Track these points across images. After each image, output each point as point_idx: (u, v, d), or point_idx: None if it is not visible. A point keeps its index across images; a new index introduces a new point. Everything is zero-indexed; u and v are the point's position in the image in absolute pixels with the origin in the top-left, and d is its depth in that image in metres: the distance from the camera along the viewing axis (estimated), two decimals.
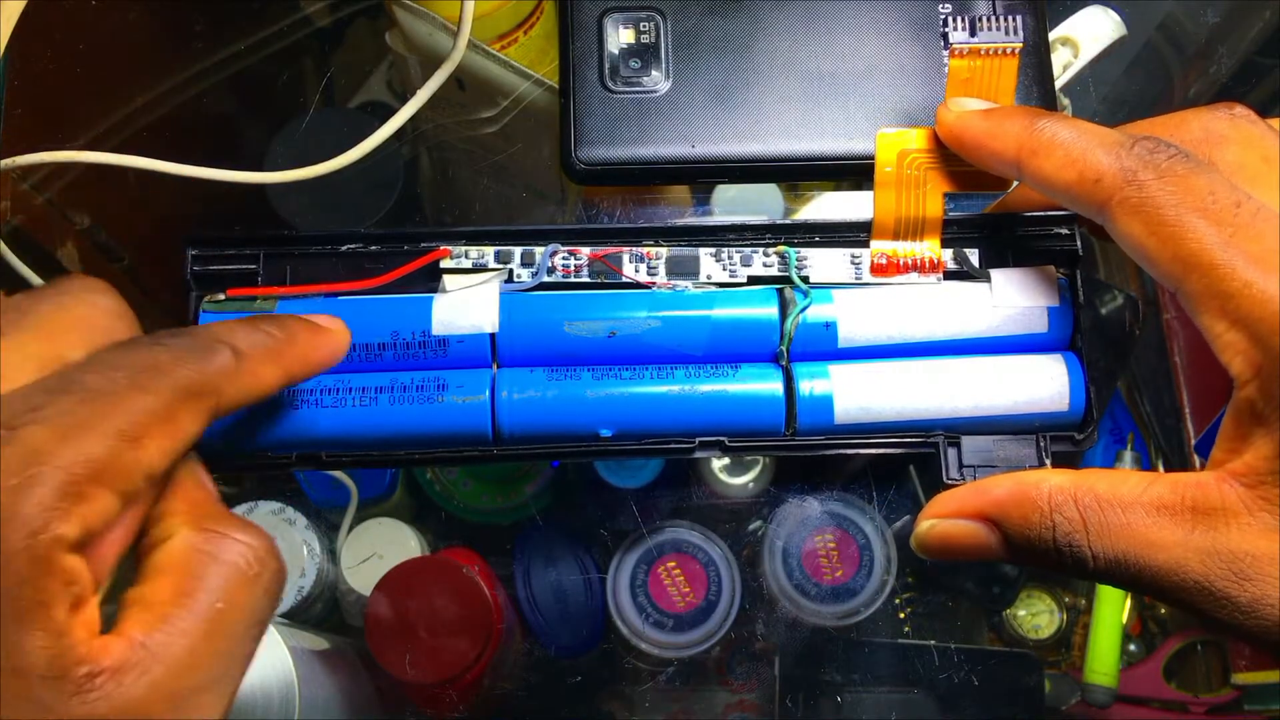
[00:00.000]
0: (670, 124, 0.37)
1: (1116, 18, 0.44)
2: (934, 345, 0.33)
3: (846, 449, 0.32)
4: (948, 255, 0.33)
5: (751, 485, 0.50)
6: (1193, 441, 0.48)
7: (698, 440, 0.32)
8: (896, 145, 0.33)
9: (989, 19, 0.33)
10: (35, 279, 0.41)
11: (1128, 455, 0.50)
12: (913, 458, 0.37)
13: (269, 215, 0.46)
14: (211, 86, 0.50)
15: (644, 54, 0.37)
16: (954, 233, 0.33)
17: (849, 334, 0.33)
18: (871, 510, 0.48)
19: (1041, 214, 0.33)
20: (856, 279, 0.33)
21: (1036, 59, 0.37)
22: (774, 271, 0.33)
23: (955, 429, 0.32)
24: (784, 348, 0.32)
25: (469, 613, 0.45)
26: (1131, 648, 0.53)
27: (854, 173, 0.37)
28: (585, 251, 0.33)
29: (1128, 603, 0.52)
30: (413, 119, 0.40)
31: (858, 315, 0.33)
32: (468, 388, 0.32)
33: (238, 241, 0.33)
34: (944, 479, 0.32)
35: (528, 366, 0.32)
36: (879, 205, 0.33)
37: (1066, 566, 0.26)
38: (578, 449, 0.32)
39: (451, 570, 0.46)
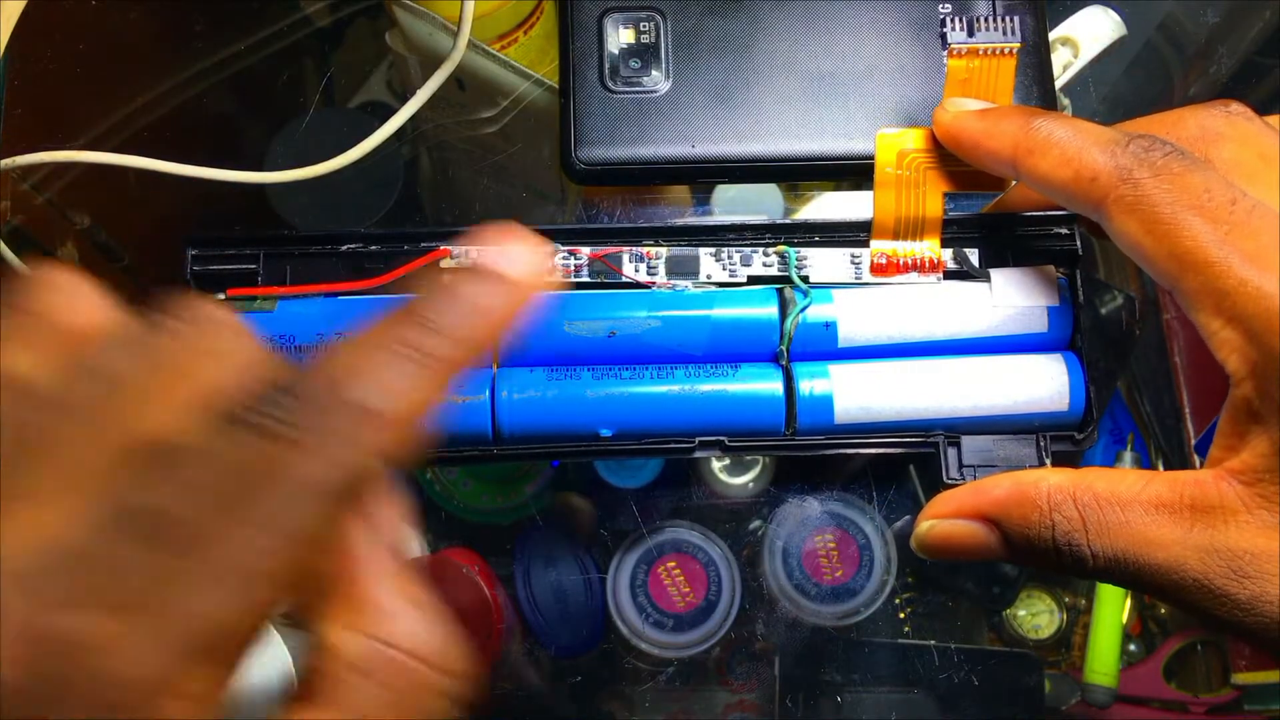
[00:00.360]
0: (670, 124, 0.37)
1: (1116, 18, 0.44)
2: (934, 345, 0.33)
3: (846, 449, 0.32)
4: (947, 255, 0.33)
5: (751, 485, 0.50)
6: (1193, 441, 0.48)
7: (698, 440, 0.32)
8: (896, 145, 0.33)
9: (987, 19, 0.33)
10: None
11: (1127, 455, 0.49)
12: (913, 458, 0.37)
13: (269, 215, 0.46)
14: (211, 86, 0.50)
15: (644, 54, 0.37)
16: (954, 232, 0.33)
17: (849, 334, 0.33)
18: (871, 510, 0.48)
19: (1041, 214, 0.33)
20: (856, 279, 0.33)
21: (1036, 59, 0.37)
22: (774, 271, 0.33)
23: (955, 429, 0.32)
24: (784, 347, 0.32)
25: (469, 613, 0.45)
26: (1131, 648, 0.52)
27: (854, 173, 0.37)
28: (585, 251, 0.33)
29: (1128, 603, 0.52)
30: (413, 119, 0.40)
31: (858, 315, 0.33)
32: (467, 387, 0.32)
33: (238, 241, 0.33)
34: (944, 479, 0.32)
35: (528, 366, 0.32)
36: (879, 205, 0.33)
37: (1066, 565, 0.26)
38: (578, 449, 0.32)
39: (451, 570, 0.46)
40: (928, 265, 0.33)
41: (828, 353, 0.33)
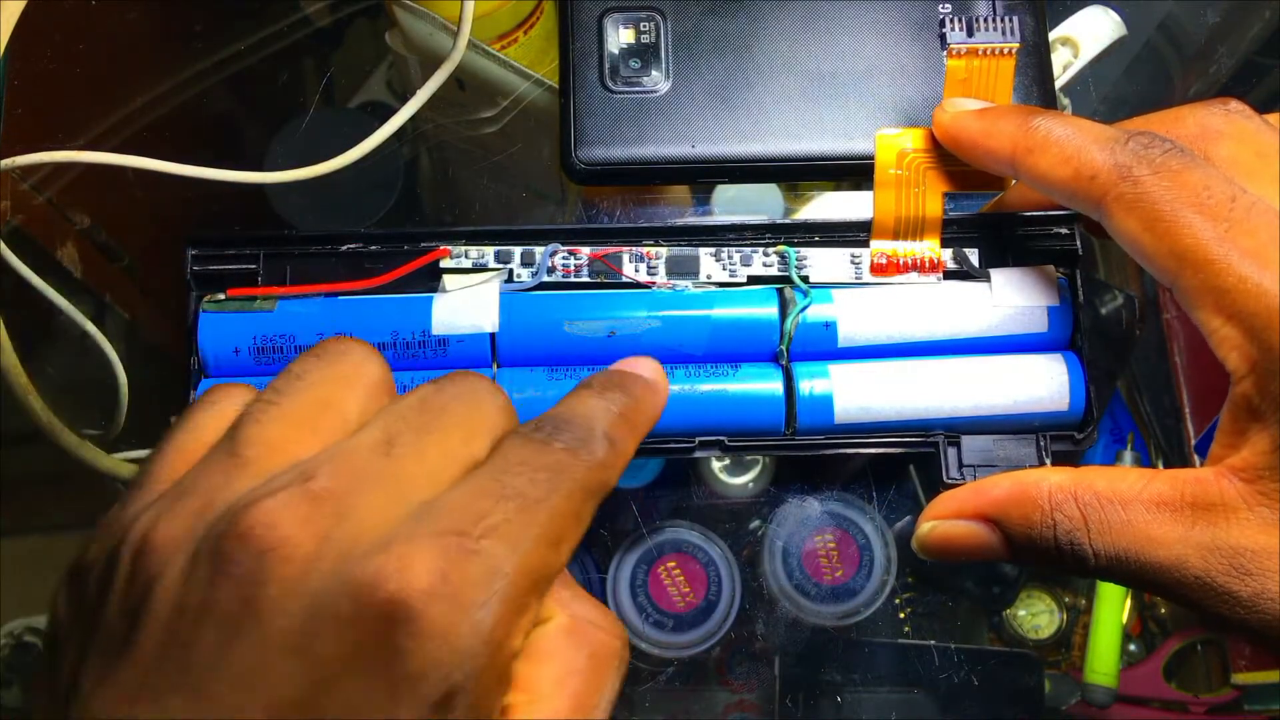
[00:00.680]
0: (670, 124, 0.37)
1: (1116, 18, 0.44)
2: (934, 345, 0.33)
3: (846, 449, 0.32)
4: (947, 255, 0.33)
5: (751, 485, 0.50)
6: (1193, 441, 0.48)
7: (698, 440, 0.32)
8: (896, 145, 0.33)
9: (987, 20, 0.33)
10: (35, 279, 0.41)
11: (1127, 455, 0.49)
12: (913, 457, 0.37)
13: (269, 215, 0.46)
14: (211, 86, 0.50)
15: (644, 54, 0.37)
16: (954, 232, 0.33)
17: (849, 333, 0.33)
18: (871, 510, 0.48)
19: (1041, 214, 0.33)
20: (856, 279, 0.33)
21: (1036, 59, 0.37)
22: (774, 271, 0.33)
23: (955, 428, 0.32)
24: (784, 347, 0.32)
25: None
26: (1131, 648, 0.52)
27: (854, 173, 0.37)
28: (585, 251, 0.33)
29: (1128, 603, 0.52)
30: (413, 119, 0.40)
31: (858, 315, 0.33)
32: None
33: (238, 241, 0.33)
34: (944, 478, 0.32)
35: (528, 366, 0.32)
36: (879, 205, 0.33)
37: (1068, 565, 0.26)
38: None
39: None
40: (928, 265, 0.33)
41: (828, 353, 0.33)
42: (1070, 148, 0.27)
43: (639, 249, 0.33)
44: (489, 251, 0.33)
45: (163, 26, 0.52)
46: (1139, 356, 0.51)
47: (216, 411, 0.23)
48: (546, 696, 0.21)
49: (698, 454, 0.32)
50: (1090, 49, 0.44)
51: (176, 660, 0.19)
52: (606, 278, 0.33)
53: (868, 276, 0.33)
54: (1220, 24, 0.52)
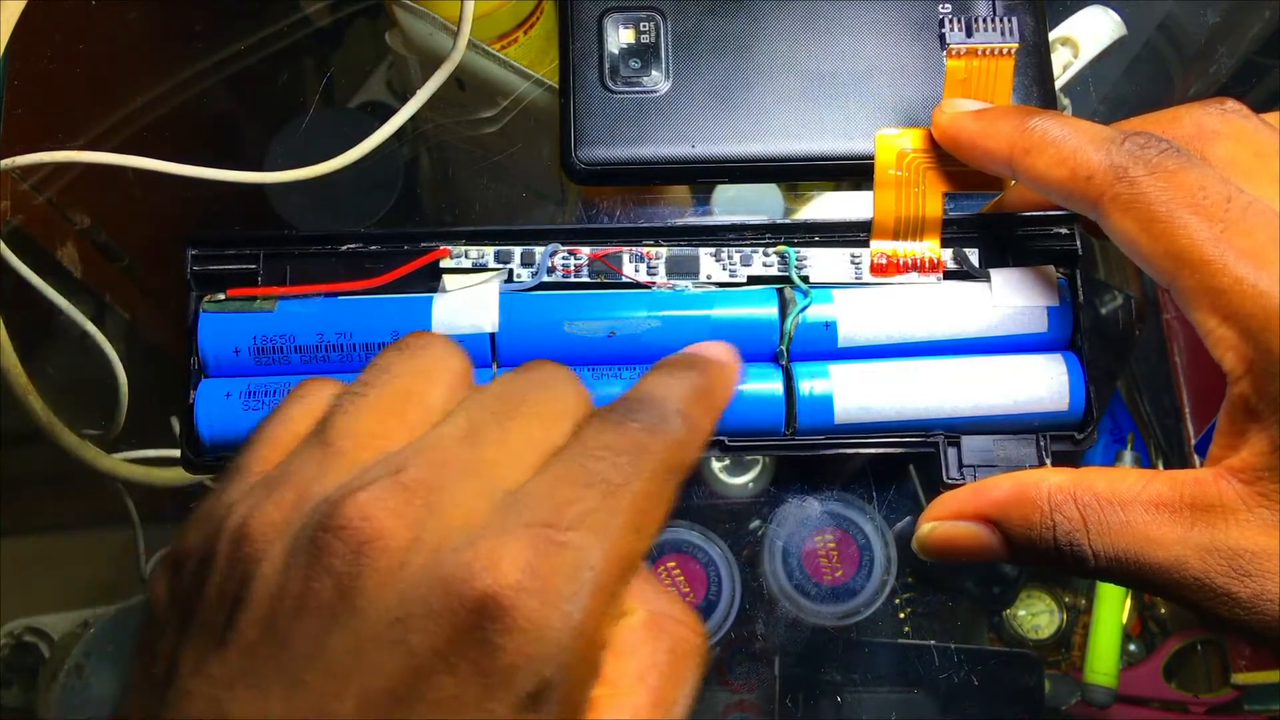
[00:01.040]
0: (670, 124, 0.37)
1: (1116, 18, 0.44)
2: (934, 345, 0.33)
3: (846, 449, 0.32)
4: (947, 255, 0.33)
5: (751, 485, 0.50)
6: (1193, 441, 0.48)
7: None
8: (896, 146, 0.33)
9: (986, 20, 0.33)
10: (35, 279, 0.41)
11: (1127, 455, 0.49)
12: (913, 457, 0.37)
13: (269, 215, 0.46)
14: (211, 86, 0.50)
15: (644, 54, 0.37)
16: (954, 232, 0.33)
17: (849, 333, 0.33)
18: (871, 510, 0.48)
19: (1041, 214, 0.33)
20: (856, 279, 0.33)
21: (1036, 59, 0.37)
22: (774, 271, 0.33)
23: (955, 429, 0.32)
24: (784, 347, 0.32)
25: None
26: (1131, 648, 0.52)
27: (854, 173, 0.37)
28: (585, 251, 0.33)
29: (1128, 603, 0.52)
30: (413, 119, 0.40)
31: (858, 315, 0.33)
32: None
33: (238, 241, 0.33)
34: (944, 479, 0.32)
35: None
36: (879, 205, 0.33)
37: (1067, 565, 0.26)
38: None
39: None
40: (928, 265, 0.33)
41: (828, 353, 0.33)
42: (1066, 148, 0.27)
43: (639, 249, 0.33)
44: (489, 251, 0.33)
45: (163, 26, 0.52)
46: (1139, 356, 0.51)
47: (306, 405, 0.23)
48: (627, 691, 0.21)
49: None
50: (1090, 49, 0.44)
51: (274, 648, 0.19)
52: (606, 278, 0.33)
53: (868, 276, 0.33)
54: (1220, 24, 0.52)
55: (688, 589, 0.47)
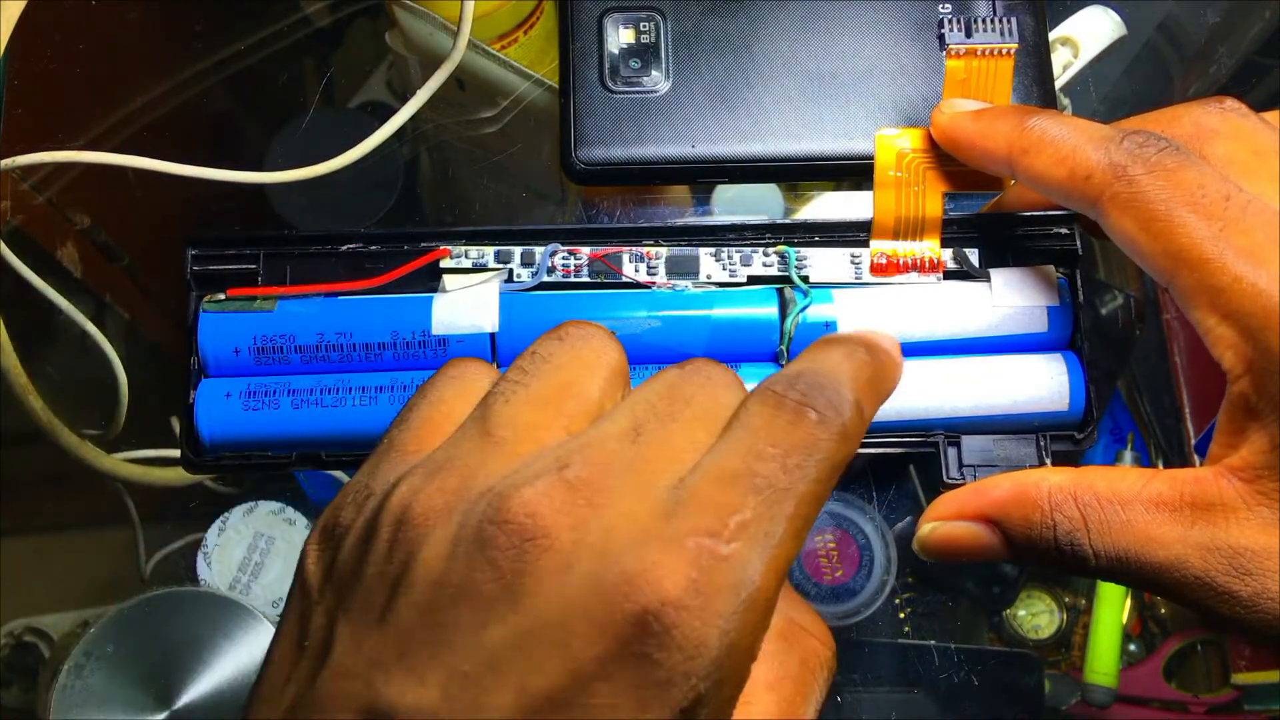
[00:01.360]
0: (670, 124, 0.37)
1: (1116, 18, 0.44)
2: (934, 345, 0.33)
3: None
4: (947, 255, 0.33)
5: None
6: (1193, 441, 0.48)
7: None
8: (895, 146, 0.33)
9: (986, 20, 0.33)
10: (35, 279, 0.41)
11: (1128, 455, 0.50)
12: (913, 457, 0.37)
13: (269, 215, 0.46)
14: (211, 86, 0.50)
15: (644, 54, 0.37)
16: (954, 232, 0.33)
17: None
18: (871, 510, 0.48)
19: (1040, 214, 0.33)
20: (856, 279, 0.33)
21: (1036, 59, 0.37)
22: (774, 271, 0.33)
23: (955, 429, 0.32)
24: (784, 347, 0.32)
25: None
26: (1131, 648, 0.53)
27: (854, 173, 0.37)
28: (585, 251, 0.33)
29: (1128, 603, 0.52)
30: (413, 119, 0.40)
31: (858, 315, 0.33)
32: None
33: (238, 241, 0.33)
34: (944, 478, 0.32)
35: None
36: (879, 205, 0.33)
37: (1068, 565, 0.26)
38: None
39: None
40: (928, 265, 0.33)
41: None
42: (1065, 147, 0.27)
43: (639, 249, 0.33)
44: (489, 251, 0.33)
45: (163, 26, 0.52)
46: (1139, 356, 0.51)
47: (460, 387, 0.23)
48: (758, 699, 0.21)
49: None
50: (1090, 49, 0.44)
51: (433, 634, 0.19)
52: (606, 278, 0.33)
53: (868, 276, 0.33)
54: (1220, 24, 0.52)
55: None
